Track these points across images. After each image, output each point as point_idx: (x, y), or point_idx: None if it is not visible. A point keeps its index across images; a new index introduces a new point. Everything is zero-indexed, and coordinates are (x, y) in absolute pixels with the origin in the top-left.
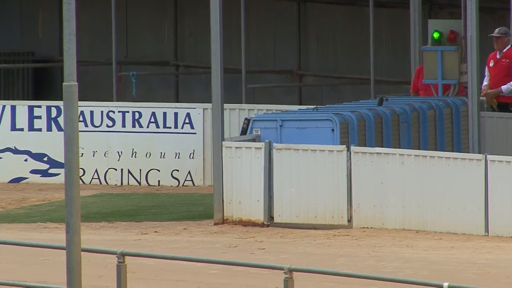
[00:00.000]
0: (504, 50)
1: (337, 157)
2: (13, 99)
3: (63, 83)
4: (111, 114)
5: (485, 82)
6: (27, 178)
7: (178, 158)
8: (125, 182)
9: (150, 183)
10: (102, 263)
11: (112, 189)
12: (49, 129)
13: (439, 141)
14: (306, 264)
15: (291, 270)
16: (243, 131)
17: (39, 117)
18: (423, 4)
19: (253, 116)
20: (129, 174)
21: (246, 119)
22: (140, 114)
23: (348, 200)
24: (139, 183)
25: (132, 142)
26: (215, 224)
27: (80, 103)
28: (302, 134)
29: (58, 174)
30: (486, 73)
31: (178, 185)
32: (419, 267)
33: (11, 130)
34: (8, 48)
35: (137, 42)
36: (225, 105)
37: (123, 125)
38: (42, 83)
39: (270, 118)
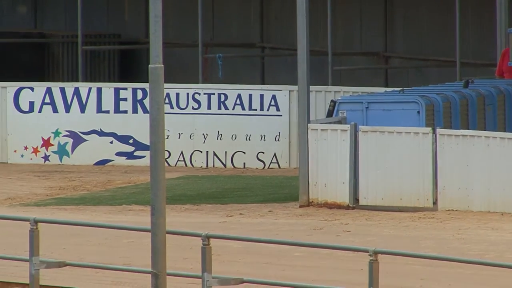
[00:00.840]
0: None
1: (423, 139)
2: (99, 81)
3: (149, 65)
4: (196, 96)
5: None
6: (113, 160)
7: (264, 140)
8: (210, 164)
9: (235, 166)
10: (187, 245)
11: (197, 171)
12: (134, 111)
13: None
14: (391, 246)
15: (376, 253)
16: (329, 113)
17: (125, 99)
18: None
19: (339, 98)
20: (215, 156)
21: (332, 101)
22: (226, 96)
23: (434, 183)
24: (225, 165)
25: (217, 124)
26: (300, 206)
27: (166, 85)
28: (387, 116)
29: (143, 157)
30: None
31: (264, 167)
32: (504, 250)
33: (97, 112)
34: (95, 30)
35: (223, 24)
36: (311, 87)
37: (209, 107)
38: (128, 65)
39: (356, 100)
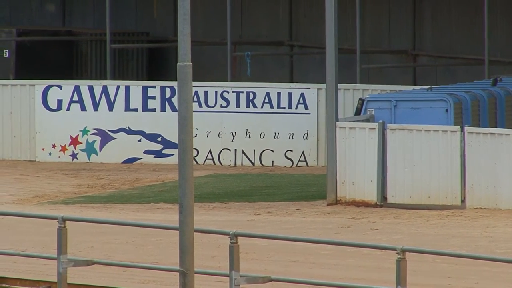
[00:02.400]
0: None
1: (451, 137)
2: (128, 79)
3: (178, 63)
4: (225, 94)
5: None
6: (141, 158)
7: (292, 138)
8: (238, 163)
9: (263, 164)
10: (215, 243)
11: (225, 169)
12: (163, 109)
13: None
14: (419, 244)
15: (404, 251)
16: (357, 111)
17: (153, 98)
18: None
19: (367, 96)
20: (243, 155)
21: (360, 99)
22: (255, 95)
23: (462, 181)
24: (253, 163)
25: (246, 122)
26: (328, 204)
27: (195, 83)
28: (416, 114)
29: (172, 155)
30: None
31: (292, 165)
32: None
33: (125, 111)
34: (123, 28)
35: (252, 22)
36: (340, 85)
37: (237, 106)
38: (156, 63)
39: (384, 98)
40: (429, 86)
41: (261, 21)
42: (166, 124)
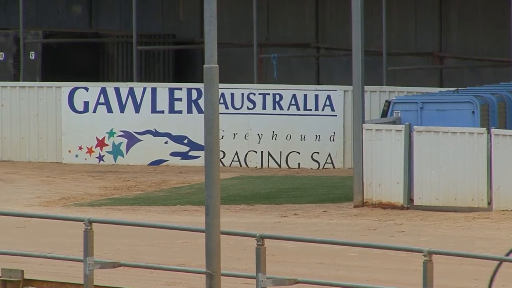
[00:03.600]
0: None
1: (477, 139)
2: (154, 81)
3: (204, 65)
4: (251, 96)
5: None
6: (167, 160)
7: (319, 140)
8: (265, 165)
9: (290, 166)
10: (241, 245)
11: (252, 171)
12: (189, 111)
13: None
14: (445, 246)
15: (430, 253)
16: (384, 113)
17: (180, 99)
18: None
19: (394, 98)
20: (269, 157)
21: (386, 101)
22: (281, 97)
23: (488, 183)
24: (279, 165)
25: (272, 124)
26: (355, 206)
27: (221, 85)
28: (442, 116)
29: (198, 157)
30: None
31: (318, 167)
32: None
33: (152, 113)
34: (150, 30)
35: (278, 24)
36: (366, 88)
37: (264, 107)
38: (182, 65)
39: (410, 100)
40: (455, 88)
41: (287, 23)
42: (193, 126)
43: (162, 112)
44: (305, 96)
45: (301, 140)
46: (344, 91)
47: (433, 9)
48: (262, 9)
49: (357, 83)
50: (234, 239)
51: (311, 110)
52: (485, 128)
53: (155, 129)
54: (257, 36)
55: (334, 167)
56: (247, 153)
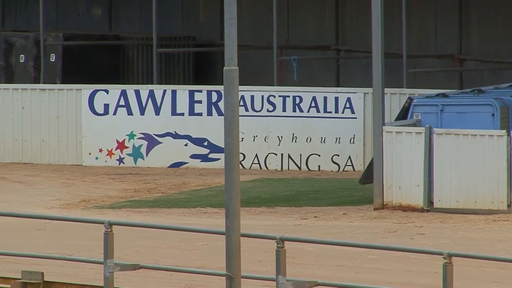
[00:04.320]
0: None
1: (497, 142)
2: (174, 83)
3: (224, 68)
4: (271, 98)
5: None
6: (187, 163)
7: (339, 143)
8: (285, 167)
9: (310, 168)
10: (262, 248)
11: (272, 174)
12: (209, 113)
13: None
14: (465, 249)
15: (450, 255)
16: (403, 110)
17: (200, 102)
18: None
19: (414, 100)
20: (289, 159)
21: (409, 98)
22: (301, 99)
23: (508, 185)
24: (299, 168)
25: (292, 126)
26: (375, 209)
27: (241, 87)
28: (462, 118)
29: (218, 159)
30: None
31: (338, 170)
32: None
33: (172, 115)
34: (170, 33)
35: (298, 27)
36: (386, 90)
37: (284, 110)
38: (203, 68)
39: (430, 102)
40: (473, 88)
41: (307, 25)
42: (212, 128)
43: (182, 114)
44: (325, 98)
45: (321, 142)
46: (364, 93)
47: (453, 11)
48: (282, 11)
49: (377, 85)
50: (254, 242)
51: (331, 112)
52: (505, 131)
53: (175, 132)
54: (277, 38)
55: (354, 170)
56: (267, 155)
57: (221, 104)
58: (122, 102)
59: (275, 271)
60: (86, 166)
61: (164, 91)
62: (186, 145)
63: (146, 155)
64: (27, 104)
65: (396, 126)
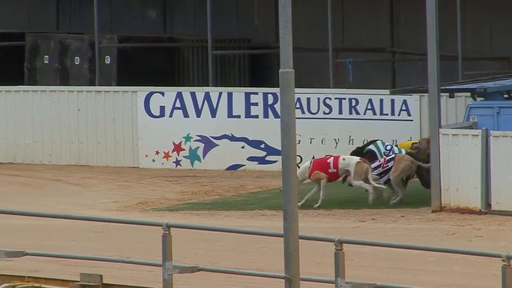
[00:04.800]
0: None
1: None
2: (229, 85)
3: (279, 70)
4: (327, 101)
5: None
6: (244, 165)
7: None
8: None
9: None
10: (320, 250)
11: None
12: (265, 116)
13: None
14: None
15: (509, 258)
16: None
17: (256, 104)
18: None
19: (470, 103)
20: None
21: (479, 87)
22: (357, 101)
23: None
24: None
25: (349, 129)
26: (433, 211)
27: (297, 90)
28: None
29: (275, 161)
30: None
31: None
32: None
33: (228, 117)
34: (225, 35)
35: (353, 29)
36: (442, 93)
37: (340, 112)
38: (258, 70)
39: (487, 105)
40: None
41: (362, 28)
42: (269, 130)
43: (239, 116)
44: (381, 100)
45: None
46: (420, 95)
47: (509, 12)
48: (336, 13)
49: (433, 88)
50: (312, 244)
51: (387, 114)
52: None
53: (231, 134)
54: (332, 40)
55: None
56: None
57: (277, 106)
58: (178, 104)
59: (334, 274)
60: (143, 168)
61: (220, 93)
62: (243, 147)
63: (203, 157)
64: (82, 106)
65: (452, 128)
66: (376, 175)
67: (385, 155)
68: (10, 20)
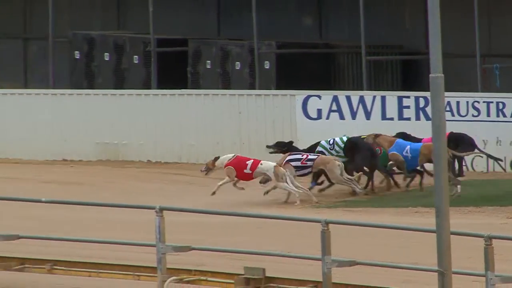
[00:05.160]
0: None
1: None
2: (382, 89)
3: (430, 75)
4: (476, 104)
5: None
6: None
7: None
8: (490, 169)
9: None
10: (471, 245)
11: (478, 175)
12: (417, 118)
13: None
14: None
15: None
16: None
17: (408, 107)
18: None
19: None
20: (494, 162)
21: None
22: (504, 105)
23: None
24: (504, 170)
25: (496, 131)
26: None
27: (446, 93)
28: None
29: None
30: None
31: None
32: None
33: (382, 119)
34: (376, 40)
35: (501, 35)
36: None
37: (488, 115)
38: (410, 75)
39: None
40: None
41: (509, 34)
42: (421, 132)
43: (392, 119)
44: None
45: None
46: None
47: None
48: (483, 20)
49: None
50: (463, 239)
51: None
52: None
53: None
54: (480, 47)
55: None
56: (474, 158)
57: (428, 110)
58: (334, 107)
59: (484, 267)
60: None
61: (374, 97)
62: None
63: None
64: (243, 109)
65: None
66: (293, 166)
67: (330, 149)
68: (174, 27)
